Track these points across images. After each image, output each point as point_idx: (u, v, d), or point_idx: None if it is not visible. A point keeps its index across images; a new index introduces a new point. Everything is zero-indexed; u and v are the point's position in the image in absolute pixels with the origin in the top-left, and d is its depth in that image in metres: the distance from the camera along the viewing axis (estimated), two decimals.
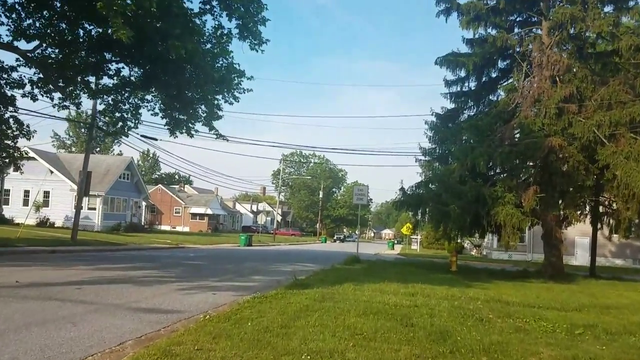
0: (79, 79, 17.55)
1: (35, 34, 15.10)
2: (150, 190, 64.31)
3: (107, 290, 9.81)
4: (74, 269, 13.66)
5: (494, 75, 23.81)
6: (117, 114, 19.11)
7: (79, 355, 5.25)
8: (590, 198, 22.05)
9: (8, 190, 41.38)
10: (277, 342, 5.81)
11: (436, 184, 21.27)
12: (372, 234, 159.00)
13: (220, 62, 16.23)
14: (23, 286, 9.68)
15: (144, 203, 55.83)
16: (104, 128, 26.51)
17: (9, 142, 18.81)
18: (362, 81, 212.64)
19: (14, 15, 15.06)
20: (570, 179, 20.06)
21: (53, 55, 16.18)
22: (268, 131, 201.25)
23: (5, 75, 16.64)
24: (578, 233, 36.67)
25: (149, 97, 18.66)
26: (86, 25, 15.39)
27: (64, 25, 15.70)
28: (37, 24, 15.31)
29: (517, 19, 23.30)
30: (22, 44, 15.49)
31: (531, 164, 20.87)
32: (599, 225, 24.18)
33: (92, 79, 18.07)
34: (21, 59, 16.07)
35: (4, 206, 39.20)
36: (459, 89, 23.47)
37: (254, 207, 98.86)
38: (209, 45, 15.92)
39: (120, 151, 77.63)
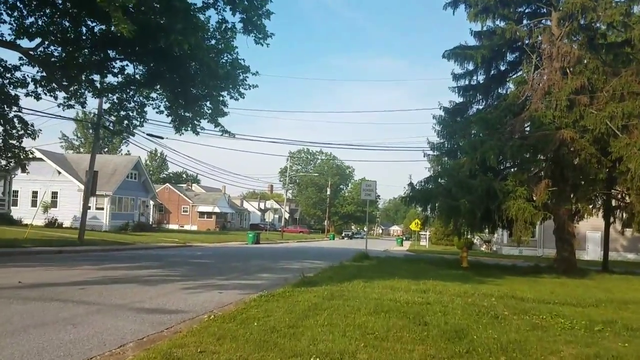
0: (83, 78, 17.36)
1: (38, 32, 14.91)
2: (157, 189, 64.35)
3: (111, 290, 9.59)
4: (79, 269, 13.48)
5: (502, 68, 23.46)
6: (122, 113, 18.95)
7: (77, 359, 5.03)
8: (603, 191, 21.64)
9: (16, 192, 41.37)
10: (284, 343, 5.56)
11: (445, 178, 20.95)
12: (381, 231, 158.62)
13: (225, 58, 15.97)
14: (25, 287, 9.49)
15: (151, 202, 55.84)
16: (110, 127, 26.37)
17: (14, 142, 18.67)
18: (368, 78, 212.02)
19: (15, 13, 14.91)
20: (582, 172, 19.75)
21: (56, 54, 16.01)
22: (275, 129, 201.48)
23: (8, 75, 16.49)
24: (589, 227, 36.20)
25: (154, 95, 18.46)
26: (89, 23, 15.20)
27: (66, 23, 15.50)
28: (40, 22, 15.13)
29: (526, 10, 22.90)
30: (25, 43, 15.30)
31: (542, 157, 20.49)
32: (611, 219, 23.79)
33: (96, 77, 17.91)
34: (24, 57, 15.90)
35: (12, 207, 39.16)
36: (467, 82, 23.15)
37: (262, 205, 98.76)
38: (213, 41, 15.69)
39: (128, 151, 77.81)
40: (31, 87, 16.59)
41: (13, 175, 37.81)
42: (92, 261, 16.36)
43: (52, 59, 15.96)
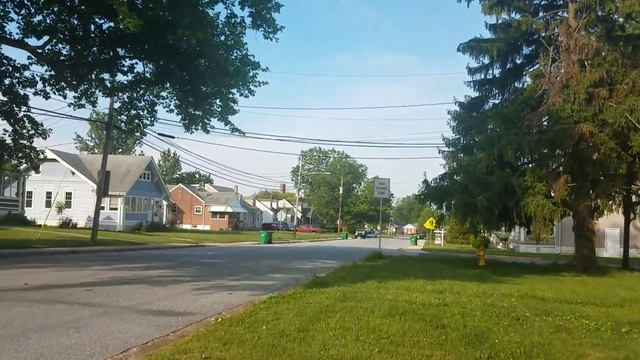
0: (93, 77, 17.25)
1: (46, 30, 14.77)
2: (170, 189, 64.50)
3: (119, 291, 9.37)
4: (89, 270, 13.32)
5: (518, 61, 22.94)
6: (133, 112, 18.82)
7: None
8: (623, 187, 21.06)
9: (30, 192, 41.61)
10: (294, 348, 5.26)
11: (461, 175, 20.48)
12: (394, 230, 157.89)
13: (235, 54, 15.74)
14: (31, 289, 9.30)
15: (165, 202, 55.95)
16: (122, 127, 26.28)
17: (25, 141, 18.61)
18: (381, 75, 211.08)
19: (23, 11, 14.79)
20: (602, 167, 19.19)
21: (64, 52, 15.87)
22: (287, 128, 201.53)
23: (17, 74, 16.40)
24: (608, 224, 35.52)
25: (164, 93, 18.33)
26: (97, 20, 15.04)
27: (75, 21, 15.37)
28: (48, 20, 15.00)
29: (542, 2, 22.35)
30: (33, 41, 15.18)
31: (561, 152, 19.97)
32: (631, 215, 23.18)
33: (106, 76, 17.78)
34: (33, 56, 15.79)
35: (26, 208, 39.40)
36: (482, 76, 22.65)
37: (274, 205, 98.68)
38: (222, 37, 15.46)
39: (142, 151, 78.17)
40: (40, 86, 16.50)
41: (26, 176, 38.06)
42: (103, 261, 16.22)
43: (61, 58, 15.83)
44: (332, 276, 12.70)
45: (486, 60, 21.99)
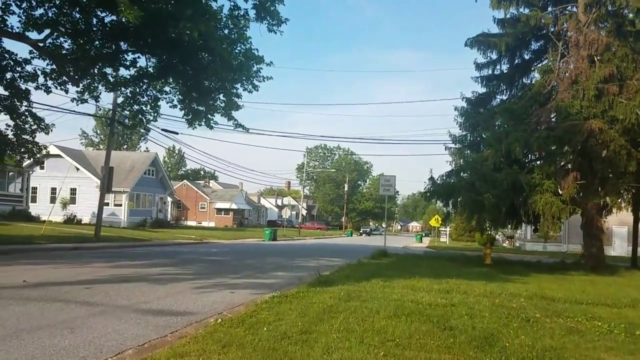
0: (95, 71, 17.05)
1: (47, 23, 14.55)
2: (175, 186, 64.46)
3: (118, 289, 9.16)
4: (90, 267, 13.14)
5: (527, 57, 22.66)
6: (136, 107, 18.61)
7: None
8: (632, 184, 20.71)
9: (35, 188, 41.62)
10: (295, 351, 5.03)
11: (468, 172, 20.19)
12: (399, 227, 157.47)
13: (239, 48, 15.47)
14: (29, 286, 9.10)
15: (169, 199, 55.87)
16: (126, 122, 26.09)
17: (27, 136, 18.45)
18: (391, 71, 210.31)
19: (25, 5, 14.58)
20: (611, 164, 18.88)
21: (66, 46, 15.65)
22: (292, 125, 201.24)
23: (19, 68, 16.20)
24: (616, 222, 35.17)
25: (167, 88, 18.10)
26: (99, 13, 14.81)
27: (77, 15, 15.15)
28: (49, 14, 14.77)
29: None
30: (34, 35, 14.97)
31: (569, 149, 19.64)
32: None
33: (109, 70, 17.58)
34: (34, 50, 15.58)
35: (31, 204, 39.38)
36: (490, 72, 22.39)
37: (279, 202, 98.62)
38: (226, 31, 15.19)
39: (147, 148, 78.08)
40: (41, 80, 16.27)
41: (31, 172, 38.01)
42: (105, 258, 16.05)
43: (63, 52, 15.62)
44: (337, 275, 12.46)
45: (494, 56, 21.74)
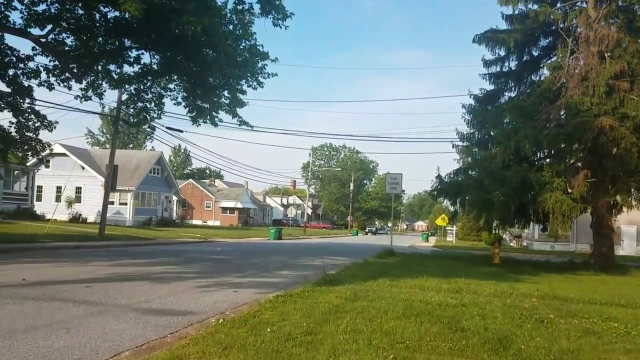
0: (99, 68, 16.88)
1: (49, 19, 14.37)
2: (181, 185, 64.37)
3: (119, 288, 8.94)
4: (92, 265, 12.94)
5: (535, 53, 22.33)
6: (140, 104, 18.45)
7: None
8: None
9: (40, 187, 41.58)
10: (300, 354, 4.78)
11: (476, 170, 19.87)
12: (405, 226, 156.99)
13: (243, 44, 15.24)
14: (28, 285, 8.90)
15: (175, 198, 55.75)
16: (130, 119, 25.92)
17: (31, 134, 18.30)
18: (394, 70, 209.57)
19: (27, 0, 14.40)
20: (622, 162, 18.56)
21: (69, 42, 15.49)
22: (299, 124, 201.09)
23: (21, 65, 16.04)
24: (625, 221, 34.65)
25: (171, 85, 17.92)
26: (102, 9, 14.62)
27: (79, 11, 14.97)
28: (52, 9, 14.61)
29: None
30: (36, 31, 14.81)
31: (579, 146, 19.32)
32: None
33: (113, 67, 17.40)
34: (37, 46, 15.41)
35: (36, 202, 39.30)
36: (498, 69, 22.09)
37: (284, 201, 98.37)
38: (230, 27, 14.97)
39: (153, 147, 78.06)
40: (44, 76, 16.13)
41: (36, 171, 37.96)
42: (108, 257, 15.87)
43: (65, 48, 15.44)
44: (343, 274, 12.21)
45: (502, 52, 21.46)
